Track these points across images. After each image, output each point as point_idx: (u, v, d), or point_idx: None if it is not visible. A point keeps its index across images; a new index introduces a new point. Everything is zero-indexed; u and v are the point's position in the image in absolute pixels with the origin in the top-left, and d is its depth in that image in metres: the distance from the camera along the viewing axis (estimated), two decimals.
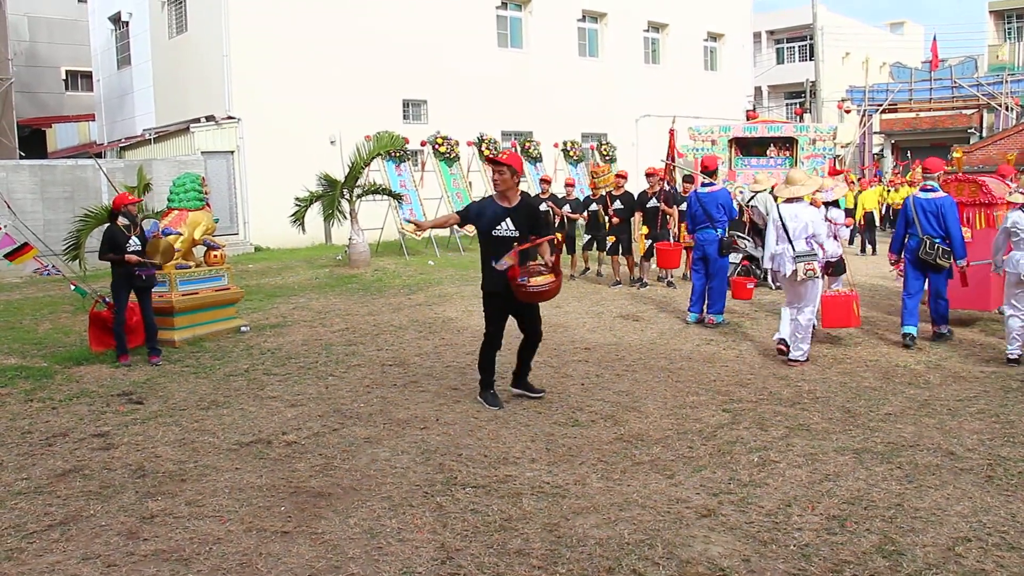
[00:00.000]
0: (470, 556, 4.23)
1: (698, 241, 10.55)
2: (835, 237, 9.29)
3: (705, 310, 10.42)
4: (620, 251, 13.96)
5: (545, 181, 15.30)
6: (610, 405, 6.87)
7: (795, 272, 8.12)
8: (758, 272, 12.92)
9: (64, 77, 34.71)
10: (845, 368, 7.97)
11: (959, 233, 8.84)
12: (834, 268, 9.24)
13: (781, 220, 8.25)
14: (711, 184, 10.66)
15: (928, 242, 8.76)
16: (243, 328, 10.55)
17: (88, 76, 31.61)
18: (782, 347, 8.42)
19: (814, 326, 8.47)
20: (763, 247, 11.78)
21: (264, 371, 8.43)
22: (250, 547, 4.41)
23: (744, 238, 13.15)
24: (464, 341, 9.65)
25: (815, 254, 8.18)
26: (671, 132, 13.82)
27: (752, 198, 13.23)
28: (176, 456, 5.90)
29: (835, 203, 9.72)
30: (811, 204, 8.58)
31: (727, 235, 10.40)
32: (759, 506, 4.75)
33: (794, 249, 8.13)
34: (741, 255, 13.05)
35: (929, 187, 8.99)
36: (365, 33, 22.90)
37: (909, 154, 36.36)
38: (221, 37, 21.33)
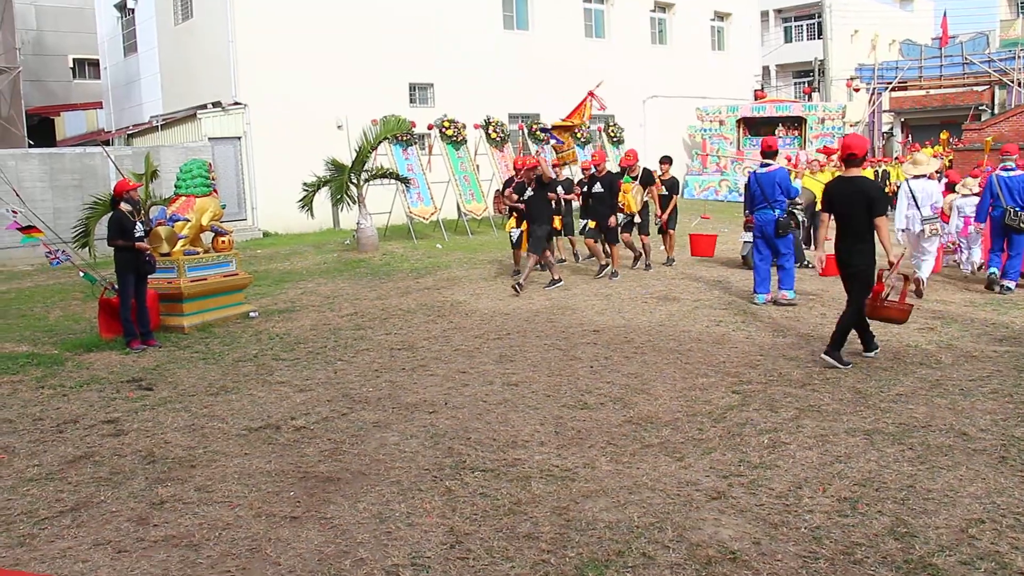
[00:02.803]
0: (479, 540, 4.22)
1: (757, 222, 10.49)
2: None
3: (776, 287, 10.43)
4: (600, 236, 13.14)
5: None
6: (619, 388, 6.84)
7: (923, 231, 10.38)
8: None
9: (71, 65, 34.67)
10: (856, 348, 7.89)
11: None
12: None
13: (911, 192, 10.51)
14: (769, 164, 10.51)
15: (1011, 211, 10.54)
16: (252, 314, 10.55)
17: (95, 64, 31.57)
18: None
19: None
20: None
21: (273, 356, 8.43)
22: (259, 532, 4.40)
23: None
24: (472, 324, 9.63)
25: (937, 217, 10.59)
26: (589, 94, 12.64)
27: None
28: (185, 442, 5.90)
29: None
30: (928, 178, 10.81)
31: (783, 215, 10.40)
32: (769, 488, 4.72)
33: (922, 214, 10.39)
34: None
35: (1009, 167, 10.83)
36: (371, 17, 22.79)
37: (910, 136, 36.05)
38: (227, 23, 21.24)
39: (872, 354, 7.54)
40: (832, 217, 7.58)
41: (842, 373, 7.03)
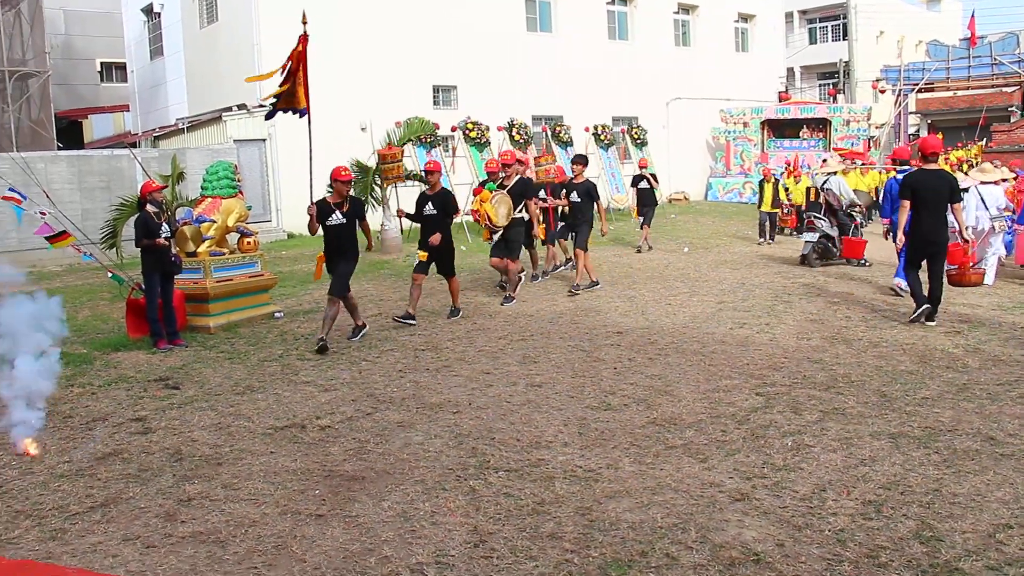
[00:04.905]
0: (503, 539, 4.24)
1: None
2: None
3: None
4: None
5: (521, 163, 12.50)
6: (643, 389, 6.84)
7: (992, 228, 11.76)
8: (835, 250, 13.88)
9: (99, 69, 35.11)
10: (881, 352, 7.86)
11: None
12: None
13: (980, 196, 11.88)
14: (908, 169, 10.96)
15: None
16: (277, 314, 10.64)
17: (122, 67, 31.94)
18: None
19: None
20: (838, 226, 13.95)
21: (298, 356, 8.49)
22: (285, 530, 4.45)
23: (820, 218, 13.74)
24: (496, 325, 9.65)
25: (1002, 216, 12.19)
26: (301, 40, 9.65)
27: (826, 181, 13.86)
28: (212, 440, 5.97)
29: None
30: (995, 184, 12.37)
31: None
32: (793, 490, 4.71)
33: (990, 214, 11.78)
34: (819, 234, 13.57)
35: None
36: (395, 19, 22.89)
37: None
38: (252, 25, 21.43)
39: (921, 316, 8.86)
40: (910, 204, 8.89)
41: (867, 376, 7.00)
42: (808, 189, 17.37)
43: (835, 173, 14.67)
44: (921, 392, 6.51)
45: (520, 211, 11.07)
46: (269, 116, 10.12)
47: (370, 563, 4.06)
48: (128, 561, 4.17)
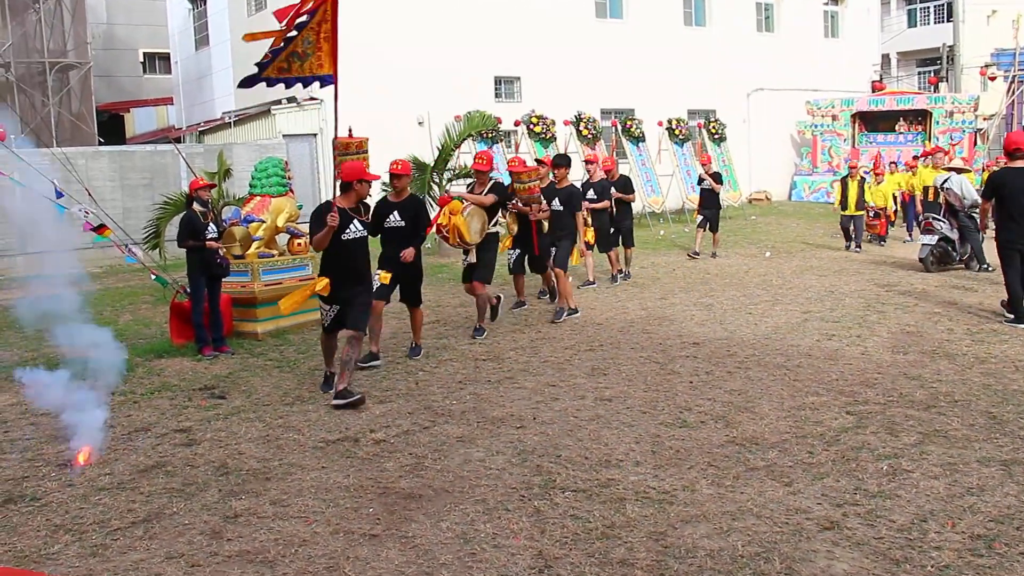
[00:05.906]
0: (570, 565, 4.24)
1: None
2: None
3: None
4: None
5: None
6: (721, 405, 6.79)
7: None
8: (955, 254, 13.70)
9: (142, 60, 36.09)
10: (989, 368, 7.66)
11: None
12: None
13: None
14: None
15: None
16: None
17: (166, 58, 32.82)
18: None
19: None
20: (958, 229, 13.61)
21: None
22: (337, 550, 4.51)
23: (940, 220, 13.61)
24: (562, 334, 9.66)
25: None
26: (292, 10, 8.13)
27: (946, 180, 13.68)
28: (260, 453, 6.09)
29: None
30: None
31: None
32: (890, 520, 4.62)
33: None
34: (937, 236, 13.65)
35: None
36: (454, 8, 23.07)
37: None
38: None
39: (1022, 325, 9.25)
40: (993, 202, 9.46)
41: (973, 395, 6.83)
42: (926, 188, 17.01)
43: (956, 171, 14.34)
44: None
45: (494, 225, 9.87)
46: (251, 83, 8.40)
47: None
48: None
